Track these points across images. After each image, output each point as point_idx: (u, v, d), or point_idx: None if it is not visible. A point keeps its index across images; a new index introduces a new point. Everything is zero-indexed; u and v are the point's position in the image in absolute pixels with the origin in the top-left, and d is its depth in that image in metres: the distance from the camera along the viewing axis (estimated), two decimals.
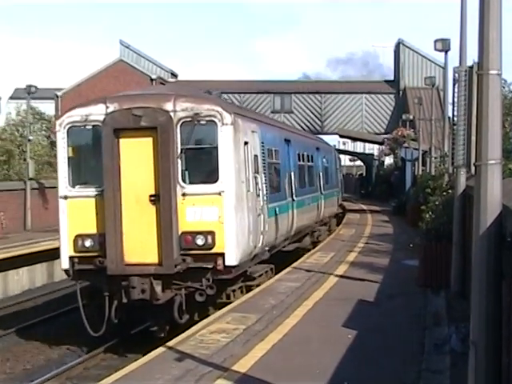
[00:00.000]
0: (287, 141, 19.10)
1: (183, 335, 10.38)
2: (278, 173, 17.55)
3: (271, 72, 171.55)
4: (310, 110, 49.63)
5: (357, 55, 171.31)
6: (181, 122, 12.21)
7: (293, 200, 18.63)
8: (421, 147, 34.19)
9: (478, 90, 5.58)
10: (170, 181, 11.92)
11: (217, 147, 12.36)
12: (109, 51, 71.69)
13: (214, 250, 12.13)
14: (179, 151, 12.17)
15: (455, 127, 5.99)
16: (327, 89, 50.02)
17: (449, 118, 20.21)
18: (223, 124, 12.31)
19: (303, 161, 21.81)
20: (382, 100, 49.71)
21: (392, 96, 49.54)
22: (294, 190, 18.86)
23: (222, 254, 12.15)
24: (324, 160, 27.02)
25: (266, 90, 49.31)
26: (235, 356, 9.12)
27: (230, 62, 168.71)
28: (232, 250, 12.25)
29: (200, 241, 12.05)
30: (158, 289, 11.83)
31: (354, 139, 60.76)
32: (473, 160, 5.64)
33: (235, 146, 12.64)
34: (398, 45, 49.77)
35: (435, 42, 18.83)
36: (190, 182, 12.26)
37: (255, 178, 13.93)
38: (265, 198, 14.71)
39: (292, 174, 19.14)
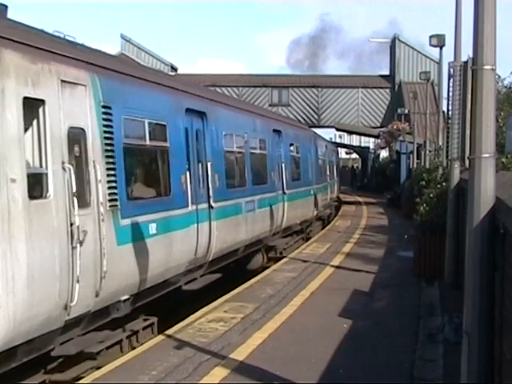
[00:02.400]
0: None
1: (182, 324, 10.50)
2: (170, 166, 10.94)
3: (269, 66, 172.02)
4: (307, 104, 49.81)
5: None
6: None
7: (210, 208, 12.42)
8: (416, 141, 34.31)
9: (473, 85, 5.67)
10: None
11: None
12: (110, 45, 71.37)
13: None
14: None
15: (450, 121, 6.11)
16: (324, 83, 50.19)
17: (443, 112, 20.37)
18: None
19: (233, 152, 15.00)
20: (377, 94, 49.89)
21: (387, 90, 49.75)
22: (211, 192, 12.53)
23: None
24: (291, 148, 21.08)
25: (263, 84, 49.52)
26: (233, 344, 9.26)
27: (230, 57, 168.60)
28: None
29: None
30: None
31: (350, 132, 60.85)
32: (467, 153, 5.73)
33: None
34: (394, 40, 49.90)
35: (430, 37, 18.98)
36: None
37: (74, 170, 7.73)
38: (115, 209, 8.81)
39: (208, 165, 12.60)
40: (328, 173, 31.07)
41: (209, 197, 12.42)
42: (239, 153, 15.42)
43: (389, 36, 51.73)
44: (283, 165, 19.02)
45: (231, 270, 15.03)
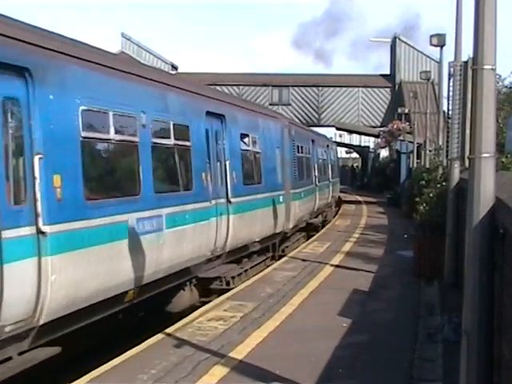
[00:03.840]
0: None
1: (181, 322, 10.51)
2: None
3: (270, 65, 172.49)
4: (308, 103, 49.88)
5: None
6: None
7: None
8: (416, 140, 34.33)
9: (473, 85, 5.67)
10: None
11: None
12: (110, 43, 71.43)
13: None
14: None
15: (450, 121, 6.11)
16: (324, 82, 50.23)
17: (443, 111, 20.38)
18: None
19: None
20: (378, 94, 49.93)
21: (388, 90, 49.80)
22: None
23: None
24: (246, 141, 15.63)
25: (264, 83, 49.59)
26: (232, 343, 9.26)
27: (230, 56, 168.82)
28: None
29: None
30: None
31: (351, 132, 60.86)
32: (467, 153, 5.72)
33: None
34: (395, 39, 49.96)
35: (431, 37, 18.99)
36: None
37: None
38: None
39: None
40: (317, 173, 25.88)
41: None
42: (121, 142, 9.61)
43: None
44: (227, 163, 13.72)
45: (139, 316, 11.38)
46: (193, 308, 12.01)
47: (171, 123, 11.21)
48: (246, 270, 15.02)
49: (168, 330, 10.00)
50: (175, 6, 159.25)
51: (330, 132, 55.67)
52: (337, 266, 15.99)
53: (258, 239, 15.87)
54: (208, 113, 13.00)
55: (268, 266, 16.58)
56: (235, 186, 14.00)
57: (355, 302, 12.11)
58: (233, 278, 13.86)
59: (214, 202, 12.76)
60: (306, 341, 9.56)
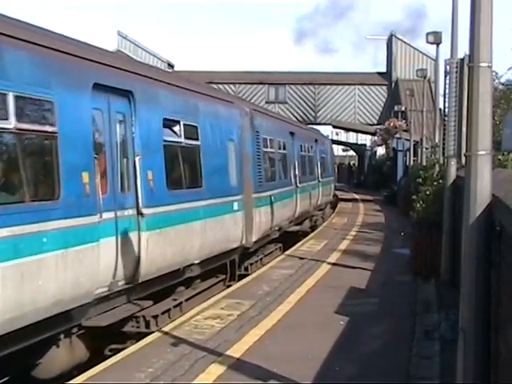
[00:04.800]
0: None
1: (178, 321, 10.52)
2: None
3: (266, 63, 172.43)
4: (304, 101, 49.95)
5: None
6: None
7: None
8: (412, 138, 34.37)
9: (469, 82, 5.68)
10: None
11: None
12: (107, 42, 71.35)
13: None
14: None
15: (446, 118, 6.12)
16: (321, 80, 50.28)
17: (440, 109, 20.42)
18: None
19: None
20: (374, 91, 50.01)
21: (384, 87, 49.88)
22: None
23: None
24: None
25: (260, 81, 49.64)
26: (229, 341, 9.26)
27: (228, 54, 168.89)
28: None
29: None
30: None
31: (347, 130, 60.93)
32: (463, 150, 5.77)
33: None
34: (391, 37, 50.03)
35: (427, 34, 18.99)
36: None
37: None
38: None
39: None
40: (298, 172, 22.10)
41: None
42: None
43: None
44: (137, 160, 9.94)
45: None
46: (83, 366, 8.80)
47: (11, 95, 7.19)
48: (179, 304, 11.38)
49: (165, 329, 10.00)
50: (172, 4, 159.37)
51: (326, 130, 55.67)
52: (334, 264, 16.00)
53: (197, 261, 12.03)
54: (98, 86, 8.99)
55: (225, 289, 13.63)
56: (152, 191, 10.20)
57: (352, 300, 12.12)
58: (155, 317, 10.26)
59: (107, 215, 9.03)
60: (303, 339, 9.56)
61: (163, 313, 10.60)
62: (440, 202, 14.19)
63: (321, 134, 34.70)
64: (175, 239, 10.98)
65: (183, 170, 11.91)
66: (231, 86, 48.65)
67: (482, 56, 5.51)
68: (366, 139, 67.46)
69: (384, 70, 52.31)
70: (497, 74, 22.98)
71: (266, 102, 47.52)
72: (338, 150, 71.32)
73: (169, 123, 11.35)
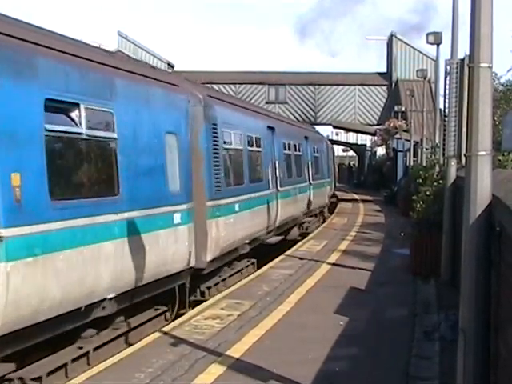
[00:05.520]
0: None
1: (178, 321, 10.53)
2: None
3: (266, 63, 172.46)
4: (304, 101, 49.96)
5: None
6: None
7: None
8: (412, 138, 34.36)
9: (469, 83, 5.68)
10: None
11: None
12: (107, 42, 71.45)
13: None
14: None
15: (446, 119, 6.12)
16: (321, 80, 50.27)
17: (440, 109, 20.40)
18: None
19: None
20: (374, 92, 50.00)
21: (384, 88, 49.86)
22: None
23: None
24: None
25: (260, 81, 49.63)
26: (229, 341, 9.26)
27: (226, 53, 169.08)
28: None
29: None
30: None
31: (347, 130, 60.91)
32: (463, 151, 5.75)
33: None
34: (391, 37, 50.03)
35: (427, 35, 18.96)
36: None
37: None
38: None
39: None
40: (279, 174, 19.14)
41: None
42: None
43: None
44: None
45: None
46: None
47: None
48: (85, 354, 8.77)
49: (165, 329, 10.02)
50: (172, 4, 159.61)
51: (326, 130, 55.73)
52: (333, 265, 16.00)
53: (110, 295, 9.01)
54: None
55: (171, 321, 11.06)
56: (19, 202, 7.12)
57: (352, 301, 12.11)
58: (37, 379, 7.72)
59: None
60: (302, 339, 9.55)
61: (51, 372, 7.94)
62: (440, 202, 14.19)
63: (315, 131, 32.19)
64: (65, 269, 7.81)
65: (85, 172, 8.68)
66: (231, 86, 48.65)
67: (483, 56, 5.51)
68: (365, 139, 67.47)
69: (384, 70, 52.30)
70: (496, 74, 23.02)
71: (266, 103, 47.52)
72: (338, 150, 71.32)
73: (57, 106, 8.05)
